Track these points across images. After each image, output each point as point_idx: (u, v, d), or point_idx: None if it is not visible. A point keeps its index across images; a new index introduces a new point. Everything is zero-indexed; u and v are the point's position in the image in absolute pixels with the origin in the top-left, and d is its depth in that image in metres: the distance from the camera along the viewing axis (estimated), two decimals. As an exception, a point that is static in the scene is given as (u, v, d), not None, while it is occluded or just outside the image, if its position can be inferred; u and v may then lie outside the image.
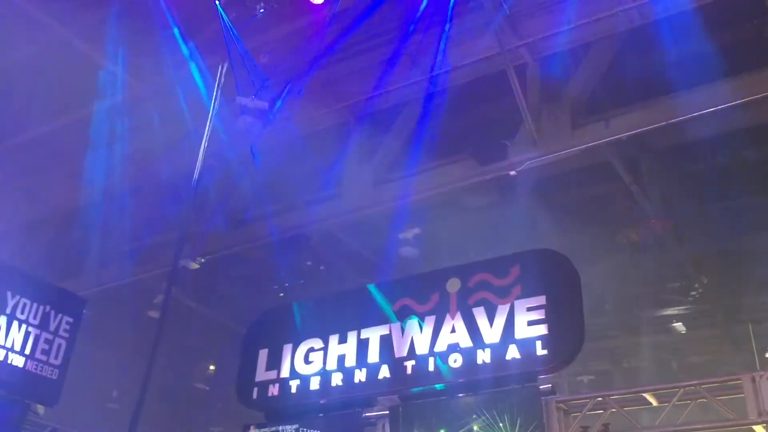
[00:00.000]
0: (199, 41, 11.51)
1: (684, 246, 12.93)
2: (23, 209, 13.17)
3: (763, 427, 8.81)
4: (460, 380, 10.15)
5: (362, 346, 10.99)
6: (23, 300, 11.76)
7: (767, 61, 9.65)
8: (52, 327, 12.15)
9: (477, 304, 10.33)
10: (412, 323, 10.75)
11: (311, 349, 11.45)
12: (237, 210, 13.24)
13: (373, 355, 10.85)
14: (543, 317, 9.77)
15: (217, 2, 10.32)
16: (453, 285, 10.69)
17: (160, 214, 12.72)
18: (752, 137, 10.76)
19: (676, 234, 12.67)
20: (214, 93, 10.77)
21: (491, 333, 10.04)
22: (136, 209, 12.90)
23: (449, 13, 10.93)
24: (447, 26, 11.07)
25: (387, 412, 10.59)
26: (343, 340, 11.22)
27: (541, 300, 9.89)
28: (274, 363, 11.68)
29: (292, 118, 11.72)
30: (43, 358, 11.95)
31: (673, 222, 12.47)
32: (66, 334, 12.33)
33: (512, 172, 11.16)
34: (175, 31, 10.79)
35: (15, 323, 11.64)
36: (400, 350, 10.67)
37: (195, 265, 13.19)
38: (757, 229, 12.11)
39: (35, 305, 11.91)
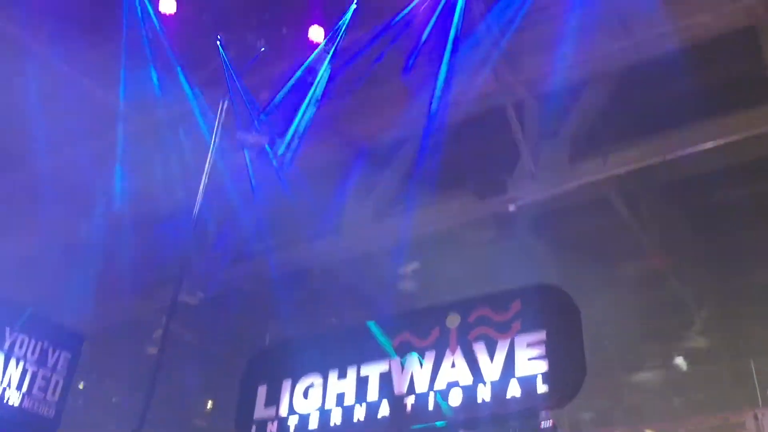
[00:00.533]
0: (200, 77, 11.65)
1: (684, 281, 12.90)
2: (23, 244, 13.17)
3: (767, 465, 8.72)
4: (461, 417, 10.05)
5: (361, 383, 10.89)
6: (21, 336, 11.70)
7: (761, 98, 9.75)
8: (50, 363, 12.06)
9: (477, 340, 10.27)
10: (412, 359, 10.68)
11: (310, 386, 11.35)
12: (237, 245, 13.24)
13: (373, 393, 10.75)
14: (543, 353, 9.70)
15: (218, 40, 10.48)
16: (453, 320, 10.64)
17: (159, 249, 12.72)
18: (750, 173, 10.82)
19: (676, 269, 12.65)
20: (215, 128, 10.88)
21: (491, 369, 9.96)
22: (136, 244, 12.90)
23: (449, 50, 11.10)
24: (446, 63, 11.22)
25: (387, 450, 10.48)
26: (342, 376, 11.12)
27: (542, 335, 9.83)
28: (273, 399, 11.57)
29: (292, 154, 11.80)
30: (41, 395, 11.84)
31: (673, 257, 12.46)
32: (64, 371, 12.23)
33: (511, 207, 11.19)
34: (177, 67, 10.94)
35: (12, 360, 11.56)
36: (400, 387, 10.58)
37: (194, 301, 13.15)
38: (757, 264, 12.11)
39: (33, 341, 11.84)
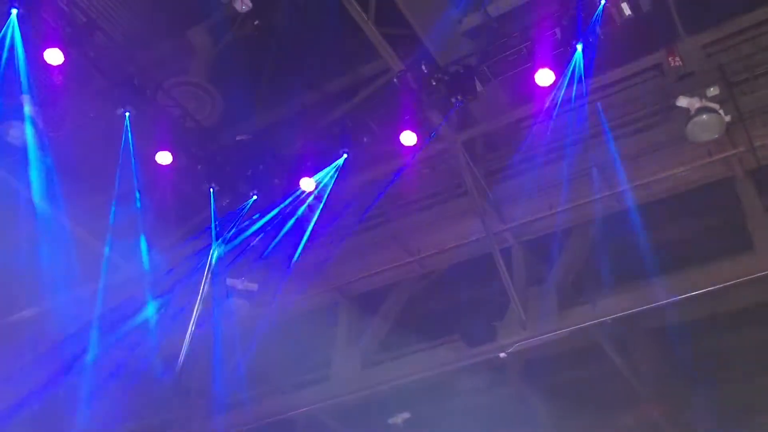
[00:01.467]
0: (191, 225, 11.79)
1: (680, 431, 12.59)
2: (1, 393, 12.74)
3: None
4: None
5: None
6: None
7: (744, 247, 9.95)
8: None
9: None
10: None
11: None
12: (222, 393, 12.87)
13: None
14: None
15: (210, 188, 10.67)
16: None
17: (141, 398, 12.34)
18: (738, 321, 10.87)
19: (672, 418, 12.36)
20: (204, 276, 10.87)
21: None
22: (116, 394, 12.51)
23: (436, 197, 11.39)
24: (434, 211, 11.48)
25: None
26: None
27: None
28: None
29: (281, 300, 11.75)
30: None
31: (668, 405, 12.21)
32: None
33: (502, 354, 11.06)
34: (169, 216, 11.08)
35: None
36: None
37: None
38: (753, 413, 11.88)
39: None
